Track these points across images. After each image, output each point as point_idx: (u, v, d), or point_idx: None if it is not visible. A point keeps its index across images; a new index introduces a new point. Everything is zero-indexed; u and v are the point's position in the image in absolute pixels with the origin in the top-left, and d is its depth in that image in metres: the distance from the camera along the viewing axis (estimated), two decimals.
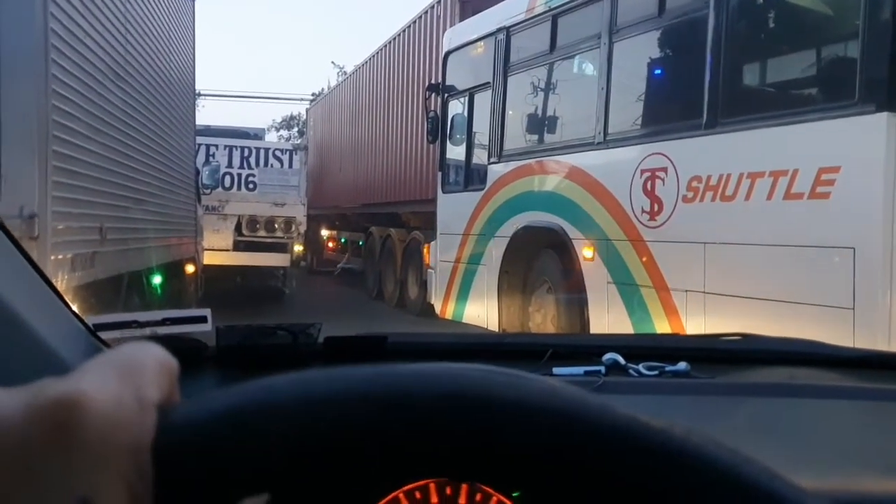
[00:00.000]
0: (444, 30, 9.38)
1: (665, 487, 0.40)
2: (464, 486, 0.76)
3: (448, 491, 0.76)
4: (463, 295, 7.55)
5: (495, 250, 6.87)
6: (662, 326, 4.90)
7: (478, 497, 0.76)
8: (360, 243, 14.75)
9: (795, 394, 1.05)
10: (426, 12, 11.36)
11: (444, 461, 0.42)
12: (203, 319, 1.10)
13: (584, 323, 5.69)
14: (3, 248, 0.90)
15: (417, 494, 0.76)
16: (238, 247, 11.91)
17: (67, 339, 1.00)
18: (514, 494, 0.76)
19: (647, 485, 0.40)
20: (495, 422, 0.41)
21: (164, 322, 1.10)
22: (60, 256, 3.71)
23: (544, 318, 6.35)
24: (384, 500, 0.75)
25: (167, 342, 1.11)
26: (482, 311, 7.08)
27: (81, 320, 1.04)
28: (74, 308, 1.04)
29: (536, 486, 0.42)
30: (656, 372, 1.09)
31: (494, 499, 0.76)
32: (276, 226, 12.17)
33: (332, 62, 44.31)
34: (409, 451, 0.41)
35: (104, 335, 1.06)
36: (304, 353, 1.09)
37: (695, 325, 4.66)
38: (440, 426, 0.41)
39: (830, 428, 1.00)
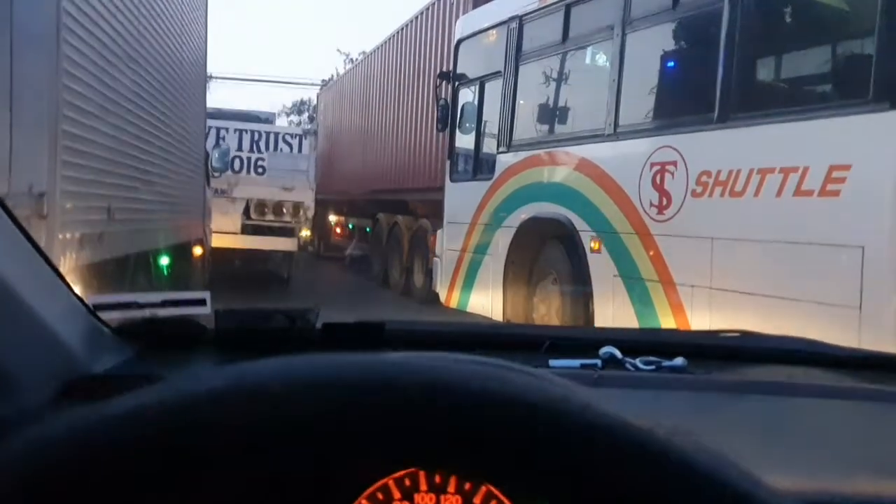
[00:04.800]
0: (457, 18, 9.34)
1: (645, 489, 0.40)
2: (453, 476, 0.76)
3: (437, 480, 0.77)
4: (468, 284, 7.56)
5: (502, 240, 6.86)
6: (667, 321, 4.89)
7: (467, 486, 0.76)
8: (368, 230, 14.76)
9: (792, 392, 1.05)
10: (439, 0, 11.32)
11: (423, 451, 0.42)
12: (202, 302, 1.11)
13: (589, 316, 5.69)
14: (2, 225, 0.91)
15: (407, 482, 0.76)
16: (246, 230, 11.93)
17: (66, 319, 1.00)
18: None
19: (626, 485, 0.40)
20: (476, 413, 0.40)
21: (163, 304, 1.10)
22: (68, 235, 3.72)
23: (549, 310, 6.34)
24: (374, 487, 0.76)
25: (166, 324, 1.12)
26: (487, 301, 7.08)
27: (81, 300, 1.05)
28: (80, 288, 1.05)
29: (516, 480, 0.42)
30: (653, 367, 1.09)
31: (483, 488, 0.76)
32: (285, 210, 12.18)
33: (338, 50, 44.39)
34: (385, 439, 0.41)
35: (104, 315, 1.07)
36: (301, 337, 1.10)
37: (700, 320, 4.65)
38: (419, 416, 0.41)
39: (826, 428, 1.00)
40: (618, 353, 1.10)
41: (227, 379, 0.41)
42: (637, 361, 1.10)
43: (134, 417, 0.40)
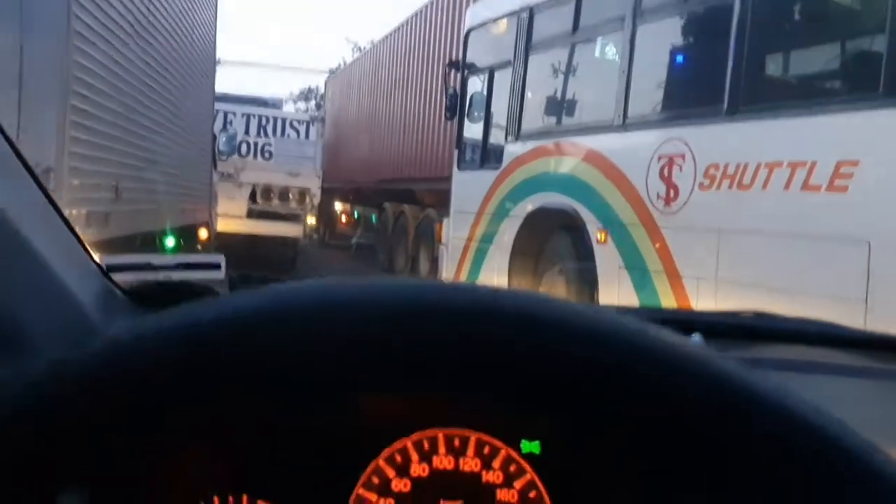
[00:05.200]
0: (467, 7, 9.32)
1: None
2: (472, 438, 0.75)
3: (456, 443, 0.76)
4: (474, 273, 7.56)
5: (508, 230, 6.86)
6: None
7: (486, 450, 0.76)
8: (373, 218, 14.76)
9: (808, 370, 1.05)
10: None
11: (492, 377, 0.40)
12: (217, 266, 1.10)
13: (597, 305, 5.68)
14: (23, 182, 0.90)
15: (426, 445, 0.76)
16: (251, 215, 11.94)
17: (81, 279, 1.00)
18: (524, 451, 0.75)
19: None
20: (562, 343, 0.39)
21: (177, 267, 1.10)
22: (75, 212, 3.72)
23: None
24: (392, 447, 0.75)
25: (180, 287, 1.12)
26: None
27: (94, 260, 1.04)
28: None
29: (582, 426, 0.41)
30: None
31: (503, 452, 0.75)
32: (291, 196, 12.18)
33: (347, 38, 44.27)
34: (438, 356, 0.40)
35: (116, 277, 1.06)
36: None
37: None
38: (481, 339, 0.39)
39: (842, 405, 1.00)
40: None
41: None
42: None
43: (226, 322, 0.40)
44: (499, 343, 0.40)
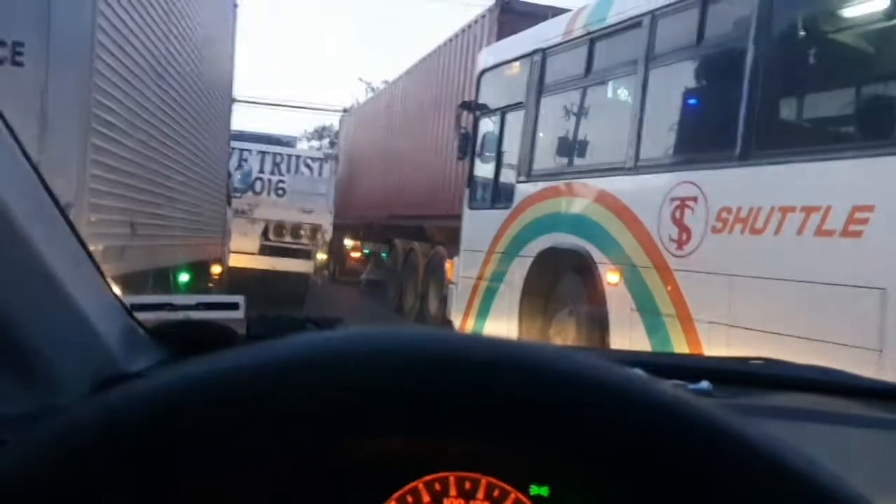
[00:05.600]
0: (480, 49, 9.43)
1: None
2: (483, 481, 0.76)
3: (467, 486, 0.77)
4: (483, 313, 7.54)
5: (518, 270, 6.86)
6: None
7: (495, 493, 0.77)
8: (384, 255, 14.79)
9: (817, 419, 1.05)
10: (463, 31, 11.43)
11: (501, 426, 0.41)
12: (235, 306, 1.12)
13: (606, 349, 5.66)
14: (51, 216, 0.93)
15: (437, 486, 0.77)
16: (264, 251, 12.00)
17: (106, 316, 1.02)
18: (532, 493, 0.76)
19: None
20: (590, 403, 0.40)
21: (197, 306, 1.12)
22: (91, 248, 3.75)
23: (564, 342, 6.31)
24: (404, 489, 0.76)
25: (198, 327, 1.13)
26: (502, 331, 7.06)
27: (119, 299, 1.06)
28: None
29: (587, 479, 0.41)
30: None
31: (512, 496, 0.76)
32: (302, 232, 12.25)
33: (360, 78, 44.97)
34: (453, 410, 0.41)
35: (140, 316, 1.08)
36: None
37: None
38: (496, 389, 0.40)
39: (851, 456, 1.00)
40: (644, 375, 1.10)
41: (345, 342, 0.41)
42: None
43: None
44: (503, 392, 0.41)
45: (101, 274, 1.04)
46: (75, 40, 3.47)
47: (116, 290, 1.04)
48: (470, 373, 0.41)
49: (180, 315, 1.09)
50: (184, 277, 6.28)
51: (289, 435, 0.40)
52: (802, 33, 4.70)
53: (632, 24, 5.79)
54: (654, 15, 5.54)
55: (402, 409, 0.40)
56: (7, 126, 0.86)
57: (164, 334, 1.10)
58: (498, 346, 0.42)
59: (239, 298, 1.12)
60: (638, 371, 0.42)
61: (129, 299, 1.05)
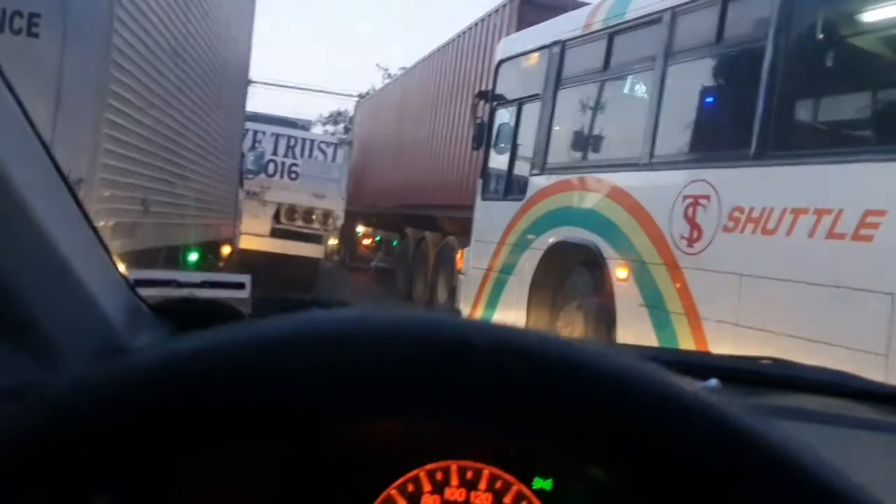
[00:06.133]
0: (499, 39, 9.40)
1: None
2: (485, 472, 0.76)
3: (469, 475, 0.76)
4: (492, 304, 7.55)
5: (528, 262, 6.85)
6: None
7: (498, 484, 0.76)
8: (395, 243, 14.81)
9: (826, 421, 1.04)
10: (483, 20, 11.39)
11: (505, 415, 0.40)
12: (241, 286, 1.12)
13: (612, 343, 5.65)
14: (58, 191, 0.92)
15: (438, 475, 0.76)
16: (275, 234, 12.02)
17: (108, 290, 1.01)
18: (536, 487, 0.75)
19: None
20: (602, 391, 0.39)
21: (202, 284, 1.11)
22: (102, 223, 3.77)
23: (571, 335, 6.26)
24: (405, 477, 0.76)
25: (204, 305, 1.13)
26: (509, 322, 7.04)
27: (121, 274, 1.06)
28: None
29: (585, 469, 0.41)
30: None
31: (515, 488, 0.75)
32: (314, 217, 12.25)
33: (377, 64, 44.77)
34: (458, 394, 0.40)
35: (141, 291, 1.08)
36: None
37: None
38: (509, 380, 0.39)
39: (859, 459, 0.99)
40: None
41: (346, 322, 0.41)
42: None
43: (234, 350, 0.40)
44: (504, 378, 0.40)
45: (106, 249, 1.03)
46: (94, 16, 3.47)
47: (120, 265, 1.03)
48: (471, 359, 0.40)
49: (185, 292, 1.08)
50: (193, 256, 6.30)
51: (279, 413, 0.39)
52: (821, 35, 4.67)
53: (651, 19, 5.76)
54: (675, 11, 5.51)
55: (394, 390, 0.40)
56: (18, 101, 0.85)
57: (168, 311, 1.09)
58: (500, 332, 0.42)
59: (245, 278, 1.12)
60: (651, 364, 0.41)
61: (134, 274, 1.05)
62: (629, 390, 0.39)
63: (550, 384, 0.39)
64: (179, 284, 1.09)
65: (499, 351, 0.40)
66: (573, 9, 7.64)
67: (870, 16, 4.44)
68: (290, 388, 0.39)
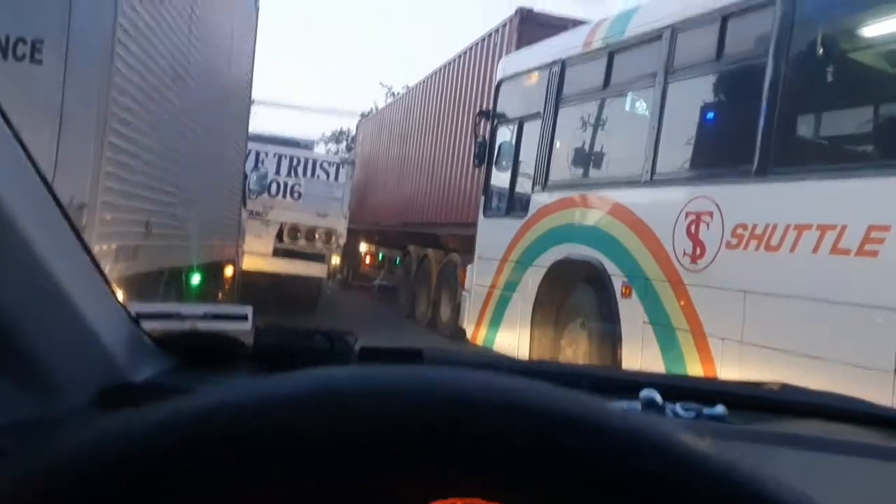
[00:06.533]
0: (500, 58, 9.44)
1: None
2: None
3: None
4: (495, 321, 7.53)
5: (532, 279, 6.85)
6: (696, 372, 4.83)
7: None
8: (397, 261, 14.82)
9: (834, 449, 1.03)
10: (483, 40, 11.45)
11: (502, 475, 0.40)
12: (244, 317, 1.11)
13: (617, 362, 5.63)
14: (57, 224, 0.92)
15: None
16: (277, 253, 12.02)
17: (110, 324, 1.01)
18: None
19: None
20: (561, 436, 0.39)
21: (204, 317, 1.11)
22: (105, 247, 3.77)
23: (575, 353, 6.29)
24: None
25: (206, 338, 1.13)
26: (513, 340, 7.05)
27: (125, 307, 1.06)
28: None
29: None
30: (693, 413, 1.07)
31: None
32: (317, 236, 12.26)
33: (381, 83, 44.96)
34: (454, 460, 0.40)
35: (145, 324, 1.07)
36: (339, 360, 1.10)
37: (729, 374, 4.59)
38: (496, 435, 0.39)
39: (865, 487, 0.98)
40: (658, 398, 1.08)
41: (308, 383, 0.40)
42: (677, 407, 1.07)
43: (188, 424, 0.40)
44: (500, 432, 0.40)
45: (108, 282, 1.03)
46: (96, 40, 3.48)
47: (122, 297, 1.03)
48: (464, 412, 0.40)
49: (188, 325, 1.08)
50: (196, 278, 6.30)
51: (270, 476, 0.39)
52: (821, 51, 4.68)
53: (651, 37, 5.78)
54: (674, 29, 5.53)
55: (392, 453, 0.39)
56: (14, 132, 0.85)
57: (171, 344, 1.09)
58: (482, 383, 0.41)
59: (247, 309, 1.11)
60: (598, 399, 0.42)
61: (136, 307, 1.04)
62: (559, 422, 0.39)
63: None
64: (182, 317, 1.09)
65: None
66: (573, 27, 7.68)
67: (870, 31, 4.45)
68: (290, 453, 0.38)
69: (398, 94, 24.43)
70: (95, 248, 3.61)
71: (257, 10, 8.53)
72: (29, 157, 0.90)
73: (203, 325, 1.10)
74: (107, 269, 3.81)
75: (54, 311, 0.91)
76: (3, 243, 0.84)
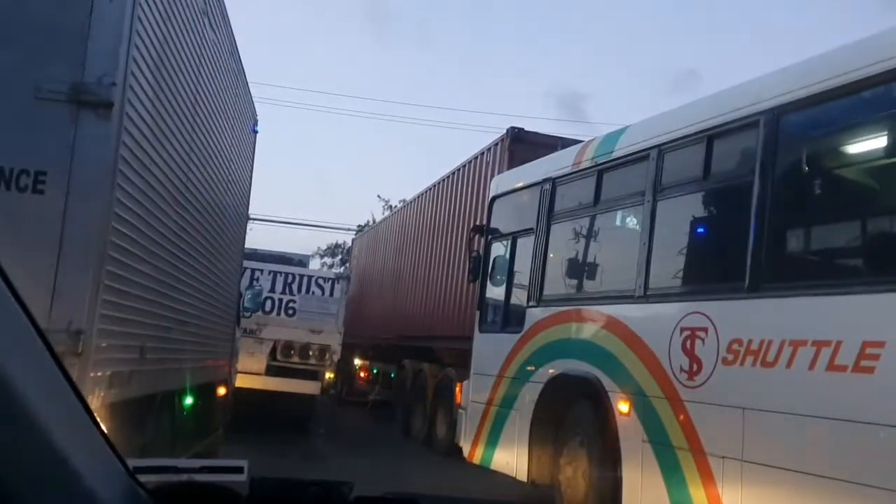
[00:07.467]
0: (492, 175, 9.67)
1: None
2: None
3: None
4: (493, 440, 7.41)
5: (528, 396, 6.78)
6: (697, 492, 4.73)
7: None
8: (392, 375, 14.69)
9: None
10: (476, 158, 11.75)
11: None
12: (239, 470, 1.11)
13: (617, 481, 5.51)
14: (53, 379, 0.93)
15: None
16: (270, 371, 11.94)
17: (106, 480, 1.01)
18: None
19: None
20: None
21: (201, 470, 1.11)
22: (100, 373, 3.75)
23: (575, 472, 6.16)
24: None
25: (202, 489, 1.12)
26: (511, 459, 6.92)
27: (122, 461, 1.06)
28: (106, 428, 1.06)
29: None
30: None
31: None
32: (311, 353, 12.21)
33: (378, 196, 46.03)
34: None
35: (142, 478, 1.07)
36: None
37: (731, 493, 4.50)
38: None
39: None
40: None
41: None
42: None
43: None
44: None
45: (104, 434, 1.04)
46: (98, 173, 3.57)
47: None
48: None
49: (184, 477, 1.08)
50: (189, 400, 6.23)
51: None
52: (807, 168, 4.79)
53: (639, 157, 5.94)
54: (661, 149, 5.69)
55: None
56: (13, 290, 0.87)
57: (167, 496, 1.09)
58: None
59: (243, 463, 1.11)
60: None
61: (132, 462, 1.05)
62: None
63: None
64: (178, 470, 1.09)
65: None
66: (563, 146, 7.90)
67: (854, 148, 4.57)
68: None
69: (395, 207, 24.83)
70: (91, 375, 3.59)
71: (256, 132, 8.77)
72: (21, 303, 0.91)
73: (199, 478, 1.10)
74: (100, 395, 3.79)
75: (47, 465, 0.91)
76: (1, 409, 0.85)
